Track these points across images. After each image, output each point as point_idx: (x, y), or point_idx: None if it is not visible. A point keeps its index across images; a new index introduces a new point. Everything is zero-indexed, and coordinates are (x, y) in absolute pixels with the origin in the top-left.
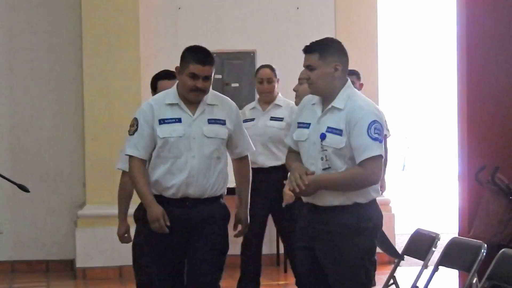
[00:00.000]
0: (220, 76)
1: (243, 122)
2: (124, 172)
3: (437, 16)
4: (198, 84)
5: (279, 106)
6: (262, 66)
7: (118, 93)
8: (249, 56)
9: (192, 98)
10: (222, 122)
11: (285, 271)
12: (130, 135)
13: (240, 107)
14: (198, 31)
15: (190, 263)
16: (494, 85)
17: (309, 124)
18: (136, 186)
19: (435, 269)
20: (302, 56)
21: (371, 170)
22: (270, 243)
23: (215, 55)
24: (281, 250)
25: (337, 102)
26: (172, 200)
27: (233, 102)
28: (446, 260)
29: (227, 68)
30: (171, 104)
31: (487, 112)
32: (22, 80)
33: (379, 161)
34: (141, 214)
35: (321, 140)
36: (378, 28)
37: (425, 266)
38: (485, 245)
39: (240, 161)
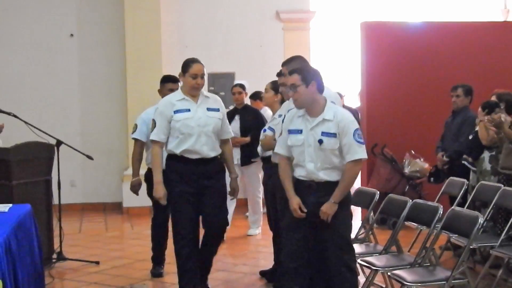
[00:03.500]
0: (212, 88)
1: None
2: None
3: (350, 43)
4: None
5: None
6: (195, 61)
7: (151, 98)
8: (230, 76)
9: None
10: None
11: None
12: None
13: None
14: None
15: None
16: (385, 88)
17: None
18: None
19: None
20: (264, 75)
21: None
22: None
23: (209, 75)
24: None
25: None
26: None
27: None
28: (354, 201)
29: (216, 83)
30: None
31: (379, 106)
32: (87, 88)
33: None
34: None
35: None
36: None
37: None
38: (378, 192)
39: None
